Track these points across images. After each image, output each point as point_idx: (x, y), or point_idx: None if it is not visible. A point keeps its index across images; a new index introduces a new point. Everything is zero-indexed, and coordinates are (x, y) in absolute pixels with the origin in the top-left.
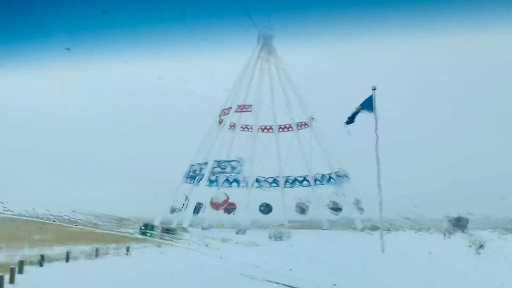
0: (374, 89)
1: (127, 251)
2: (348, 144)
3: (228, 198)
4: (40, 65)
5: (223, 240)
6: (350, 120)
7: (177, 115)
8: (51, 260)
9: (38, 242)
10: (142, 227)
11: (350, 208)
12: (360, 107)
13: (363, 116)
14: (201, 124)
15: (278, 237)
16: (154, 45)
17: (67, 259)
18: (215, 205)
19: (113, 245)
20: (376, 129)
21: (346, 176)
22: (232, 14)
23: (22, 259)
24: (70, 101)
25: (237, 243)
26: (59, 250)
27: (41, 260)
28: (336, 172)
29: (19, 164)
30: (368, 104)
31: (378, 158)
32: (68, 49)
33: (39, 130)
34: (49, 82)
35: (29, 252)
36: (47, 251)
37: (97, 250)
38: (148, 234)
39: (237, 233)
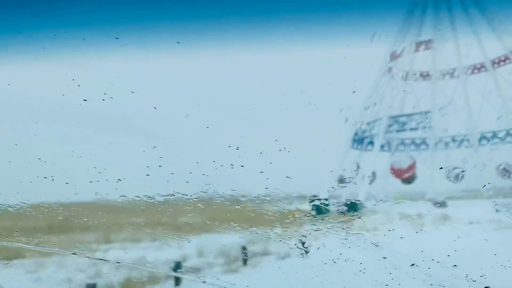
0: None
1: (303, 247)
2: None
3: (415, 162)
4: None
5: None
6: None
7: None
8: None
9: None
10: (314, 202)
11: None
12: None
13: None
14: (366, 75)
15: None
16: None
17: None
18: (398, 172)
19: (274, 232)
20: None
21: None
22: None
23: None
24: None
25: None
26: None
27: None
28: None
29: None
30: None
31: None
32: None
33: None
34: None
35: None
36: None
37: (245, 252)
38: (324, 211)
39: (436, 205)
